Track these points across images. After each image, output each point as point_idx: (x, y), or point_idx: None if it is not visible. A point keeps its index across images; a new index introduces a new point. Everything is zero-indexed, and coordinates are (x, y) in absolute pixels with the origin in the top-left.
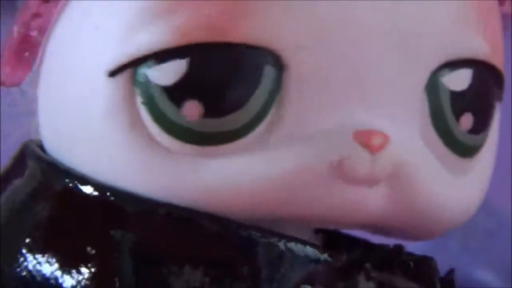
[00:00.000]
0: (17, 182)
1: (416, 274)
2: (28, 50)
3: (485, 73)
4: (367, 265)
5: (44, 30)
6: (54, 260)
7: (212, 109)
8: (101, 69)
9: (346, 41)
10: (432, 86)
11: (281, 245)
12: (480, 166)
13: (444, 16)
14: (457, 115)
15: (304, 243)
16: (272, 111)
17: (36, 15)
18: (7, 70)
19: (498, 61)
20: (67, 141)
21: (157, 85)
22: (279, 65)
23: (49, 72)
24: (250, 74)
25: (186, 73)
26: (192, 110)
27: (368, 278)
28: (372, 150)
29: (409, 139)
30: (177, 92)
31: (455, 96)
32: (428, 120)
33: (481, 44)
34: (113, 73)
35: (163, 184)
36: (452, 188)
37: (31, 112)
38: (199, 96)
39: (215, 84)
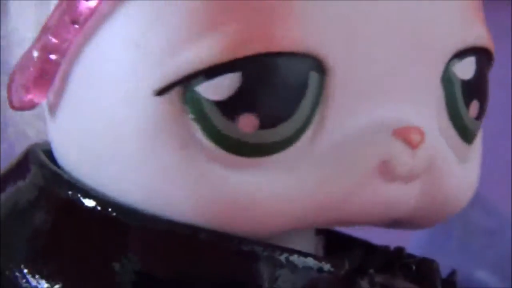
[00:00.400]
0: (18, 185)
1: (418, 276)
2: (48, 74)
3: (484, 59)
4: (371, 271)
5: (65, 53)
6: (52, 280)
7: (267, 120)
8: (145, 87)
9: (374, 40)
10: (447, 77)
11: (283, 258)
12: (476, 151)
13: (453, 6)
14: (467, 103)
15: (306, 255)
16: (317, 115)
17: (60, 40)
18: (23, 95)
19: (492, 46)
20: (96, 161)
21: (209, 101)
22: (321, 70)
23: (79, 93)
24: (298, 81)
25: (239, 87)
26: (247, 123)
27: (372, 284)
28: (413, 146)
29: (434, 131)
30: (231, 107)
31: (465, 84)
32: (444, 111)
33: (482, 31)
34: (160, 92)
35: (215, 198)
36: (461, 176)
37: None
38: (253, 108)
39: (267, 95)
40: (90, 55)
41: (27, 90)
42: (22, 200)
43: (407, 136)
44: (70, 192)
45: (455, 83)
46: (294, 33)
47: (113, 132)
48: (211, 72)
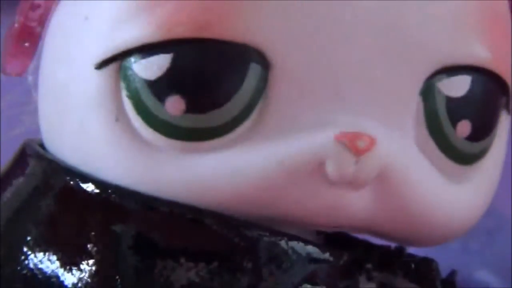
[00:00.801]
0: (18, 181)
1: (417, 276)
2: (28, 41)
3: (487, 81)
4: (369, 265)
5: (43, 21)
6: (55, 258)
7: (195, 105)
8: (89, 60)
9: (333, 41)
10: (428, 91)
11: (283, 243)
12: (482, 175)
13: (441, 21)
14: (454, 122)
15: (306, 242)
16: (257, 109)
17: (36, 6)
18: (8, 59)
19: (502, 69)
20: (56, 131)
21: (141, 79)
22: (265, 63)
23: (44, 62)
24: (235, 72)
25: (169, 68)
26: (174, 105)
27: (369, 278)
28: (356, 152)
29: (401, 143)
30: (160, 87)
31: (452, 102)
32: (423, 125)
33: (482, 51)
34: (100, 66)
35: (144, 177)
36: (449, 195)
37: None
38: (182, 91)
39: (198, 80)
40: (54, 24)
41: (12, 54)
42: (23, 194)
43: (351, 141)
44: (68, 178)
45: (438, 98)
46: (232, 22)
47: (62, 106)
48: (145, 51)
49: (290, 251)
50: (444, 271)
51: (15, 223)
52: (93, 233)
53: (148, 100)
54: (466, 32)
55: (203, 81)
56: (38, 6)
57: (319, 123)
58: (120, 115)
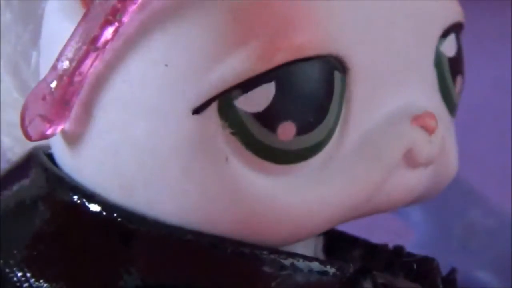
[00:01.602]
0: (19, 187)
1: (418, 275)
2: (68, 103)
3: (459, 33)
4: (374, 272)
5: (84, 80)
6: (54, 283)
7: (304, 126)
8: (181, 107)
9: (384, 32)
10: (437, 58)
11: (288, 263)
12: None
13: None
14: (454, 81)
15: (311, 259)
16: (342, 114)
17: (78, 66)
18: (43, 125)
19: (463, 16)
20: (130, 187)
21: (247, 113)
22: (343, 68)
23: (104, 120)
24: (326, 83)
25: (275, 96)
26: (286, 131)
27: (375, 285)
28: (430, 131)
29: (439, 114)
30: (269, 117)
31: (451, 61)
32: (437, 91)
33: (457, 6)
34: (198, 110)
35: (259, 210)
36: (455, 150)
37: None
38: (291, 116)
39: (301, 101)
40: (115, 80)
41: (49, 121)
42: (23, 201)
43: (424, 122)
44: (75, 196)
45: (444, 62)
46: (316, 37)
47: (149, 156)
48: (246, 85)
49: (295, 270)
50: (444, 271)
51: (13, 229)
52: (95, 267)
53: (258, 133)
54: None
55: (306, 101)
56: (84, 67)
57: (393, 114)
58: (228, 154)
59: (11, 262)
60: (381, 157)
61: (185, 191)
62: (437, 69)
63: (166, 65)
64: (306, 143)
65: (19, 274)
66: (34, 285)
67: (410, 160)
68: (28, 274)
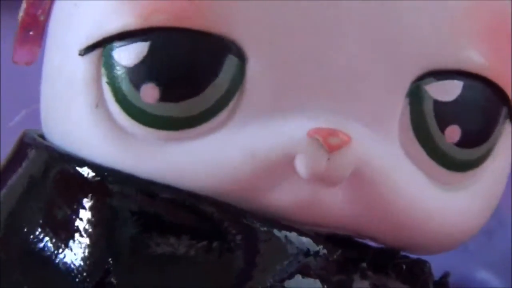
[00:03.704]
0: (18, 170)
1: (410, 277)
2: (32, 29)
3: (481, 88)
4: (363, 264)
5: (47, 9)
6: (52, 239)
7: (169, 93)
8: (74, 47)
9: (316, 36)
10: (415, 94)
11: (278, 233)
12: (480, 183)
13: (430, 24)
14: (442, 126)
15: (301, 233)
16: (234, 100)
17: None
18: (16, 48)
19: (501, 77)
20: (49, 116)
21: (120, 66)
22: (242, 55)
23: (45, 48)
24: (210, 62)
25: (146, 56)
26: (149, 92)
27: (363, 277)
28: (329, 148)
29: (382, 144)
30: (136, 74)
31: (441, 106)
32: (409, 129)
33: (476, 57)
34: (84, 52)
35: (122, 164)
36: (440, 201)
37: None
38: (157, 79)
39: (172, 69)
40: (52, 15)
41: (19, 43)
42: (23, 181)
43: (323, 137)
44: (64, 164)
45: (426, 101)
46: (209, 13)
47: (55, 89)
48: (125, 38)
49: (284, 241)
50: (443, 271)
51: (16, 213)
52: (88, 213)
53: (125, 87)
54: (458, 36)
55: (177, 70)
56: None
57: (295, 118)
58: (100, 102)
59: (31, 229)
60: (256, 152)
61: (66, 130)
62: (411, 105)
63: (75, 4)
64: (170, 112)
65: (22, 240)
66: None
67: (297, 170)
68: (30, 236)
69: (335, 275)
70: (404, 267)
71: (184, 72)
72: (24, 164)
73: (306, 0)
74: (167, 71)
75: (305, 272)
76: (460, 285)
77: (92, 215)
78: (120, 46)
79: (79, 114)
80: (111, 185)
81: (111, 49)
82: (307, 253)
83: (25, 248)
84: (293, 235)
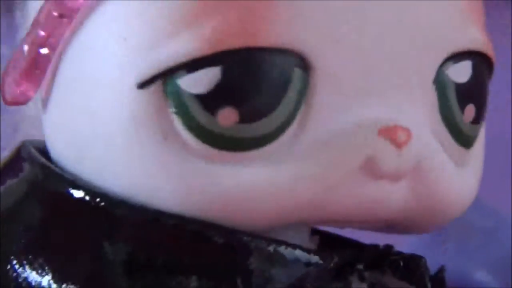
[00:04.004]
0: (10, 184)
1: (406, 273)
2: (38, 68)
3: (482, 64)
4: (360, 266)
5: (55, 47)
6: (42, 272)
7: (247, 115)
8: (129, 80)
9: (363, 37)
10: (440, 79)
11: (271, 249)
12: (476, 157)
13: (448, 8)
14: (462, 107)
15: (294, 246)
16: (301, 112)
17: (49, 34)
18: (15, 89)
19: (491, 51)
20: (80, 154)
21: (190, 94)
22: (306, 66)
23: (66, 86)
24: (280, 77)
25: (219, 80)
26: (227, 116)
27: (361, 279)
28: (398, 145)
29: (425, 133)
30: (211, 100)
31: (460, 88)
32: (437, 113)
33: (479, 35)
34: (143, 85)
35: (197, 191)
36: (457, 180)
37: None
38: (234, 102)
39: (248, 90)
40: (78, 50)
41: (17, 83)
42: (14, 195)
43: (392, 135)
44: (58, 184)
45: (449, 85)
46: (275, 28)
47: (98, 126)
48: (192, 65)
49: (278, 257)
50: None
51: (4, 229)
52: (83, 250)
53: (198, 115)
54: (464, 16)
55: (252, 90)
56: (52, 33)
57: (359, 121)
58: (168, 133)
59: (2, 257)
60: (335, 161)
61: (128, 165)
62: (438, 90)
63: (124, 39)
64: (249, 132)
65: (8, 267)
66: (21, 275)
67: (371, 170)
68: (15, 263)
69: (332, 283)
70: (401, 263)
71: (259, 91)
72: (16, 180)
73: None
74: (244, 93)
75: (301, 284)
76: (460, 285)
77: (86, 250)
78: (188, 73)
79: (143, 150)
80: (110, 209)
81: (176, 78)
82: (302, 265)
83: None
84: (285, 250)
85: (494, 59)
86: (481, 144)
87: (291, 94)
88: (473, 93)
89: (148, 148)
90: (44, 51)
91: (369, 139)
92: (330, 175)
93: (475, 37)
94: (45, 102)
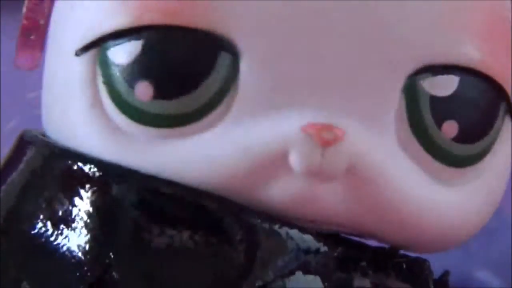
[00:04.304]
0: (18, 168)
1: (410, 276)
2: (33, 34)
3: (478, 83)
4: (363, 263)
5: (47, 14)
6: (54, 230)
7: (162, 91)
8: (71, 48)
9: (308, 31)
10: (410, 89)
11: (280, 229)
12: (481, 179)
13: (424, 19)
14: (439, 121)
15: (303, 230)
16: (228, 97)
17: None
18: (18, 53)
19: (498, 72)
20: (48, 117)
21: (115, 65)
22: (235, 52)
23: (46, 52)
24: (203, 59)
25: (139, 54)
26: (143, 90)
27: (364, 275)
28: (323, 144)
29: (377, 140)
30: (130, 72)
31: (437, 101)
32: (406, 124)
33: (472, 52)
34: (79, 52)
35: (119, 162)
36: (438, 197)
37: None
38: (150, 77)
39: (166, 66)
40: (51, 21)
41: (18, 49)
42: (24, 177)
43: (316, 132)
44: (68, 160)
45: (421, 97)
46: (198, 10)
47: (52, 91)
48: (118, 37)
49: (285, 237)
50: (443, 270)
51: (17, 207)
52: (90, 207)
53: (120, 86)
54: (454, 31)
55: (170, 68)
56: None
57: (289, 113)
58: (96, 101)
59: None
60: (250, 147)
61: (63, 130)
62: (406, 99)
63: (71, 7)
64: (165, 109)
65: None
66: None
67: (290, 164)
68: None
69: (335, 273)
70: (404, 266)
71: (178, 70)
72: (24, 160)
73: None
74: (161, 69)
75: (306, 269)
76: (460, 285)
77: (93, 210)
78: (115, 45)
79: (76, 114)
80: (112, 180)
81: (106, 49)
82: (308, 250)
83: (26, 243)
84: (294, 232)
85: (502, 81)
86: (493, 165)
87: (215, 78)
88: (456, 109)
89: (79, 114)
90: (36, 16)
91: (290, 132)
92: (246, 160)
93: (465, 53)
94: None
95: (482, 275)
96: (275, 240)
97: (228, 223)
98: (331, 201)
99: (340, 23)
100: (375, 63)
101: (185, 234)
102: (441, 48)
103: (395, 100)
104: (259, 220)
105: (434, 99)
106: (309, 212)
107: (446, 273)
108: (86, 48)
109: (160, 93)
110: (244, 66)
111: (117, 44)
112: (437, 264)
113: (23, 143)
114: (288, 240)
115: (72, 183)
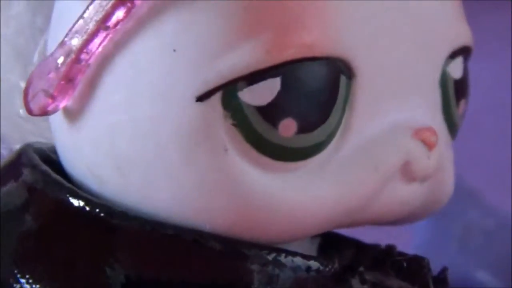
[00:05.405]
0: (10, 186)
1: (409, 274)
2: (72, 80)
3: (467, 58)
4: (361, 268)
5: (90, 58)
6: (41, 281)
7: (305, 125)
8: (185, 93)
9: (390, 41)
10: (444, 78)
11: (271, 258)
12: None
13: (447, 6)
14: (458, 102)
15: (294, 254)
16: (344, 119)
17: (86, 44)
18: (46, 100)
19: (472, 42)
20: (126, 169)
21: (250, 106)
22: (348, 73)
23: (107, 99)
24: (331, 86)
25: (280, 92)
26: (287, 127)
27: (363, 281)
28: (430, 147)
29: (439, 131)
30: (272, 112)
31: (456, 84)
32: (440, 111)
33: (468, 30)
34: (202, 97)
35: (255, 205)
36: (453, 171)
37: None
38: (293, 113)
39: (305, 100)
40: (123, 61)
41: (52, 96)
42: (13, 201)
43: (425, 136)
44: (58, 192)
45: (449, 83)
46: (326, 37)
47: (150, 140)
48: (252, 77)
49: (278, 265)
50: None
51: (6, 226)
52: (80, 264)
53: (259, 126)
54: (457, 13)
55: (310, 100)
56: (93, 46)
57: (394, 125)
58: (228, 145)
59: (5, 263)
60: (378, 166)
61: (182, 178)
62: (442, 89)
63: (174, 50)
64: (306, 142)
65: (7, 275)
66: (23, 286)
67: (407, 173)
68: (16, 272)
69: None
70: (404, 264)
71: (315, 100)
72: (15, 185)
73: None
74: (302, 103)
75: None
76: (460, 285)
77: (85, 251)
78: (248, 85)
79: (204, 161)
80: (111, 220)
81: (235, 90)
82: (302, 271)
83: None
84: (284, 258)
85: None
86: None
87: (339, 101)
88: (465, 87)
89: (206, 162)
90: (80, 62)
91: (405, 142)
92: (372, 179)
93: (467, 32)
94: (74, 115)
95: (482, 275)
96: (268, 268)
97: (217, 260)
98: (419, 199)
99: (401, 29)
100: (427, 58)
101: None
102: (456, 33)
103: (437, 92)
104: (247, 249)
105: (455, 83)
106: (402, 212)
107: (444, 270)
108: (211, 93)
109: (304, 127)
110: (356, 86)
111: (252, 84)
112: (436, 265)
113: (19, 163)
114: (279, 266)
115: (64, 220)
